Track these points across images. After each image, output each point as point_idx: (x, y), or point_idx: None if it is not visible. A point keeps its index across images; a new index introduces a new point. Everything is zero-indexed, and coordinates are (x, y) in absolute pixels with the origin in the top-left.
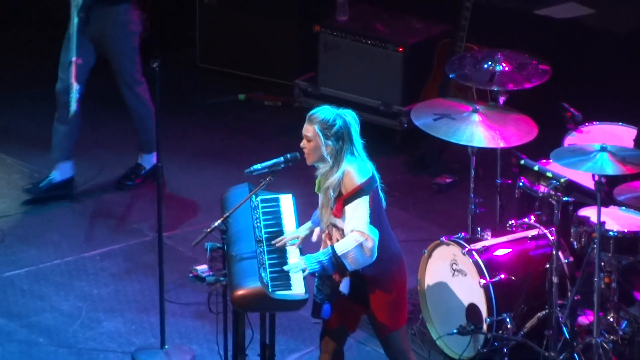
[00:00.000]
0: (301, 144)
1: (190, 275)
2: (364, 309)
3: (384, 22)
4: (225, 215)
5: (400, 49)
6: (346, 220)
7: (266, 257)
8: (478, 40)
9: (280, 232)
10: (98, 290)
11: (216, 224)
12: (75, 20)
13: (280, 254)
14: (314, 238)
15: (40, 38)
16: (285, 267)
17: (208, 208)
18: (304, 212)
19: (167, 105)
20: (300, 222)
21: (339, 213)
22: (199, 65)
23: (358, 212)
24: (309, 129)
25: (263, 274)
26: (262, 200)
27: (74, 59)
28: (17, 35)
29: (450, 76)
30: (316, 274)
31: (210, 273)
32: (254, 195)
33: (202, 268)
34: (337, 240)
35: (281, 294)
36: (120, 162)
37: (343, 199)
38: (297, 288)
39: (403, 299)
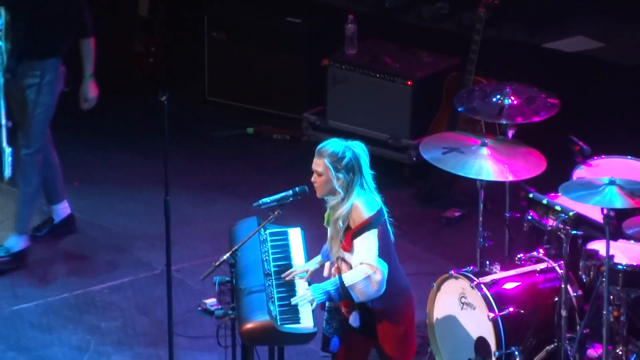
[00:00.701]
0: (312, 179)
1: (199, 308)
2: (372, 343)
3: (393, 56)
4: (233, 249)
5: (409, 83)
6: (354, 254)
7: (275, 291)
8: (487, 73)
9: (289, 266)
10: (107, 324)
11: (225, 257)
12: (1, 80)
13: (288, 287)
14: (325, 272)
15: None
16: (292, 300)
17: (216, 241)
18: (312, 246)
19: (176, 139)
20: (309, 255)
21: (348, 246)
22: (208, 99)
23: (366, 245)
24: (319, 163)
25: (272, 308)
26: (271, 234)
27: (3, 121)
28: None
29: (459, 109)
30: (326, 307)
31: (219, 306)
32: (262, 229)
33: (210, 301)
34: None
35: (290, 327)
36: (128, 195)
37: (352, 233)
38: (306, 321)
39: (412, 333)
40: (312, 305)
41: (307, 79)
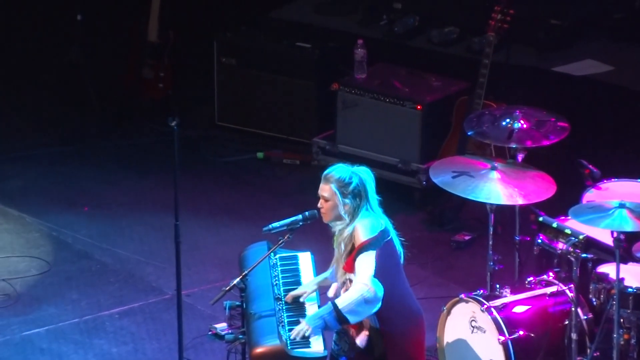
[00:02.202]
0: (319, 205)
1: (210, 333)
2: None
3: (402, 80)
4: (243, 273)
5: (419, 107)
6: (354, 275)
7: (285, 315)
8: (496, 97)
9: None
10: (117, 349)
11: (235, 281)
12: None
13: (299, 312)
14: (330, 293)
15: (56, 98)
16: (291, 336)
17: (226, 266)
18: (322, 270)
19: (186, 164)
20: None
21: (349, 268)
22: (218, 124)
23: (363, 265)
24: (325, 189)
25: (282, 332)
26: (281, 258)
27: None
28: (34, 96)
29: (469, 133)
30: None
31: (229, 331)
32: (272, 253)
33: (221, 326)
34: None
35: (300, 351)
36: (138, 220)
37: (353, 254)
38: (316, 346)
39: (421, 357)
40: (310, 336)
41: (317, 104)
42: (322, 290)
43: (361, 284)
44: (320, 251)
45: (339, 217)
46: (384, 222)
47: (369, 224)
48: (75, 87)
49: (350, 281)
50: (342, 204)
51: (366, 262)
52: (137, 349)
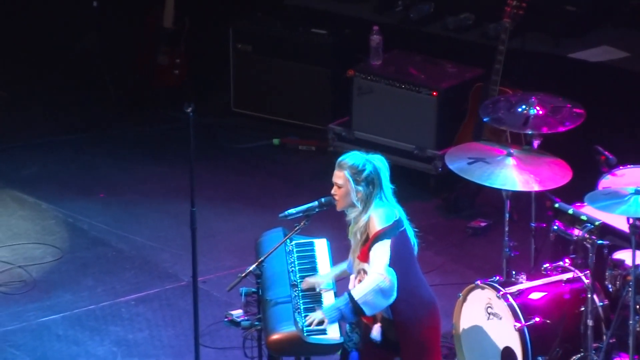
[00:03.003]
0: (332, 191)
1: (225, 319)
2: (393, 357)
3: (418, 67)
4: (259, 260)
5: (434, 93)
6: (369, 265)
7: (301, 302)
8: (512, 83)
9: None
10: (133, 335)
11: (251, 268)
12: None
13: (315, 298)
14: (351, 285)
15: (72, 86)
16: (305, 324)
17: (242, 252)
18: (338, 256)
19: (202, 150)
20: (335, 265)
21: (363, 257)
22: (234, 110)
23: (377, 254)
24: (339, 175)
25: (298, 318)
26: (297, 245)
27: None
28: (50, 83)
29: (484, 120)
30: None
31: (245, 317)
32: (288, 240)
33: (237, 312)
34: None
35: (316, 338)
36: (154, 206)
37: (368, 244)
38: (332, 332)
39: (436, 345)
40: (325, 326)
41: (333, 90)
42: (339, 281)
43: (376, 274)
44: (336, 238)
45: (351, 205)
46: (398, 212)
47: (383, 213)
48: (90, 74)
49: (365, 271)
50: (355, 191)
51: (381, 252)
52: (153, 336)
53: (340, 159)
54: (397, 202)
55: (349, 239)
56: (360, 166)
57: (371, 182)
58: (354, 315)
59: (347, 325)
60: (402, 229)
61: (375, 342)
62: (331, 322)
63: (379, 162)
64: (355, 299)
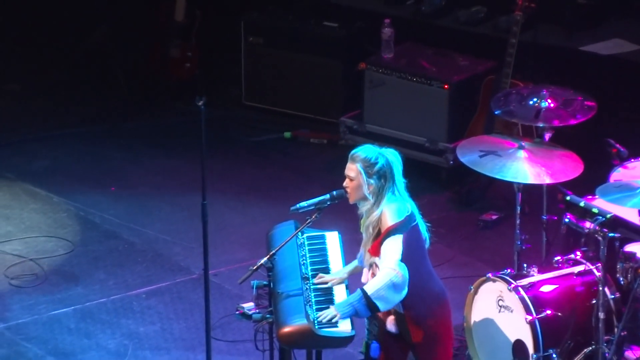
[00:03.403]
0: (344, 184)
1: (237, 312)
2: (409, 348)
3: (429, 60)
4: (271, 253)
5: (446, 86)
6: (380, 259)
7: (312, 294)
8: (523, 76)
9: (327, 269)
10: (144, 328)
11: (262, 261)
12: None
13: (326, 291)
14: (363, 279)
15: (83, 79)
16: (318, 319)
17: (254, 245)
18: (350, 249)
19: (213, 143)
20: (346, 259)
21: (375, 252)
22: (245, 103)
23: (390, 249)
24: (351, 168)
25: (309, 311)
26: (308, 238)
27: None
28: (63, 75)
29: (496, 113)
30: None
31: (257, 310)
32: (299, 233)
33: (248, 305)
34: None
35: (327, 331)
36: (165, 199)
37: (380, 239)
38: (344, 325)
39: (448, 338)
40: (338, 321)
41: (344, 83)
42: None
43: (388, 269)
44: (347, 231)
45: (363, 197)
46: (411, 207)
47: (395, 208)
48: (102, 67)
49: (376, 265)
50: (367, 184)
51: (393, 246)
52: (164, 329)
53: (353, 151)
54: (410, 196)
55: (361, 232)
56: (373, 159)
57: (383, 176)
58: (368, 311)
59: (366, 319)
60: (414, 223)
61: (392, 333)
62: (344, 317)
63: (392, 156)
64: (369, 294)
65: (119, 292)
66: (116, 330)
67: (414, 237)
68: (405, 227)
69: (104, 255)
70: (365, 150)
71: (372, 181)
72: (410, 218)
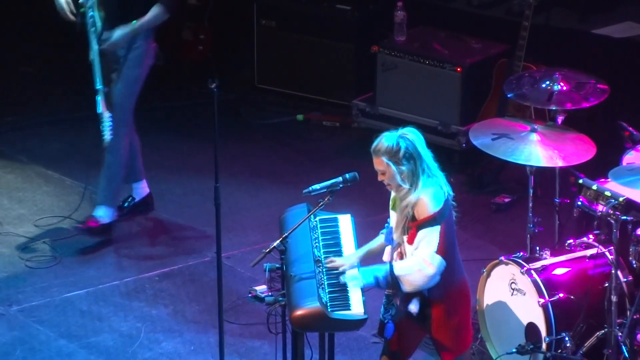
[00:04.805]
0: (379, 179)
1: (249, 295)
2: (424, 333)
3: (442, 43)
4: (283, 236)
5: (459, 69)
6: (414, 245)
7: (325, 277)
8: (536, 59)
9: (339, 252)
10: (157, 311)
11: (275, 244)
12: (95, 47)
13: (339, 274)
14: (385, 257)
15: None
16: (341, 278)
17: (266, 228)
18: (362, 232)
19: (225, 126)
20: (359, 241)
21: (410, 239)
22: (257, 86)
23: (426, 240)
24: (378, 162)
25: (322, 294)
26: (321, 221)
27: (99, 87)
28: (75, 59)
29: (509, 96)
30: (385, 293)
31: (269, 293)
32: (312, 216)
33: (261, 288)
34: None
35: (340, 314)
36: (178, 182)
37: (416, 225)
38: (356, 308)
39: (467, 324)
40: (359, 286)
41: (357, 66)
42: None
43: (421, 259)
44: (360, 214)
45: (400, 185)
46: (444, 186)
47: (432, 195)
48: None
49: (405, 251)
50: (399, 173)
51: (429, 238)
52: (176, 311)
53: (373, 145)
54: (439, 169)
55: (392, 210)
56: (395, 146)
57: (411, 157)
58: (388, 287)
59: (385, 298)
60: (449, 209)
61: (412, 314)
62: (365, 285)
63: (412, 134)
64: (396, 273)
65: (132, 274)
66: (129, 312)
67: (449, 224)
68: (443, 216)
69: (117, 238)
70: (385, 140)
71: (402, 168)
72: (446, 204)
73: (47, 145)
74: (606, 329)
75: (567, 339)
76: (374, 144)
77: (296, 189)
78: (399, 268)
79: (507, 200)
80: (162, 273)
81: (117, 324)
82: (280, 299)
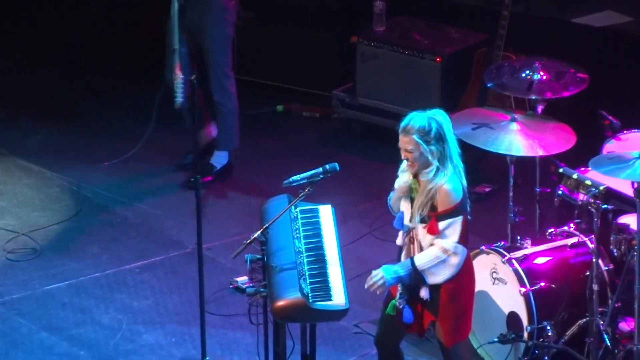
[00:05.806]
0: (402, 157)
1: (231, 286)
2: (430, 318)
3: (422, 32)
4: (264, 227)
5: (438, 59)
6: (438, 235)
7: (306, 268)
8: (516, 49)
9: (320, 243)
10: (138, 303)
11: (256, 235)
12: (175, 6)
13: (320, 265)
14: (399, 241)
15: (78, 56)
16: (366, 283)
17: (247, 219)
18: (343, 223)
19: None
20: (340, 233)
21: (433, 230)
22: (237, 77)
23: (449, 230)
24: (406, 141)
25: (303, 285)
26: (302, 211)
27: (176, 47)
28: (56, 52)
29: (488, 85)
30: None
31: (251, 284)
32: (293, 206)
33: (242, 279)
34: (419, 244)
35: (321, 304)
36: (158, 173)
37: (436, 215)
38: (338, 298)
39: (469, 313)
40: (384, 286)
41: (337, 56)
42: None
43: (443, 249)
44: (340, 205)
45: (427, 165)
46: (463, 179)
47: (454, 186)
48: (95, 43)
49: (416, 232)
50: (429, 152)
51: (452, 228)
52: (158, 303)
53: (403, 123)
54: (459, 156)
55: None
56: (427, 126)
57: (440, 138)
58: (412, 282)
59: (400, 285)
60: (467, 197)
61: (424, 300)
62: (390, 284)
63: (440, 116)
64: (418, 267)
65: (113, 266)
66: (110, 305)
67: (466, 214)
68: (464, 207)
69: (97, 230)
70: (416, 120)
71: (432, 148)
72: (465, 194)
73: (27, 138)
74: (587, 318)
75: (548, 327)
76: (403, 123)
77: (276, 179)
78: (421, 261)
79: (487, 189)
80: (143, 265)
81: (98, 316)
82: (262, 290)
